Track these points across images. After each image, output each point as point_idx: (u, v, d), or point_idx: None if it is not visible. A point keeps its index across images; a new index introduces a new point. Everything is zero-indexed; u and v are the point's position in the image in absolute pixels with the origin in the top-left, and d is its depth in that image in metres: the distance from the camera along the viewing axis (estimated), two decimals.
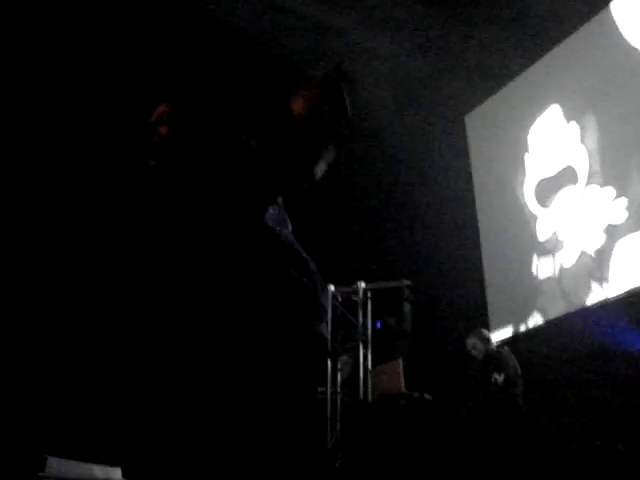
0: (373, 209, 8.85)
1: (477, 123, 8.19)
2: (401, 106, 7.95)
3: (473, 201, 8.11)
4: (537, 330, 6.98)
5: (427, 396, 6.26)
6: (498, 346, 6.31)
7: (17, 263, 5.68)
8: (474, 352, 6.09)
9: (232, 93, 6.40)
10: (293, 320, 2.11)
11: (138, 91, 5.94)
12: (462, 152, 8.26)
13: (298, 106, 2.03)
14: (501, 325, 7.30)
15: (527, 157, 7.45)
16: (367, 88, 7.55)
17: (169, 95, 2.44)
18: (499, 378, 5.74)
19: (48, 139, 6.04)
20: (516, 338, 7.00)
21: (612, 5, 6.67)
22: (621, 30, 6.57)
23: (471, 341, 6.16)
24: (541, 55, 7.22)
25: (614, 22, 6.63)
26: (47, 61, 6.15)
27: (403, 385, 6.37)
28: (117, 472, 4.09)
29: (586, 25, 6.85)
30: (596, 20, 6.77)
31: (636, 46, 6.43)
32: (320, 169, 2.12)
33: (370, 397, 6.85)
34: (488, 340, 6.15)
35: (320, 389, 6.17)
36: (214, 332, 2.09)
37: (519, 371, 5.78)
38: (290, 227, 2.30)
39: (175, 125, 2.30)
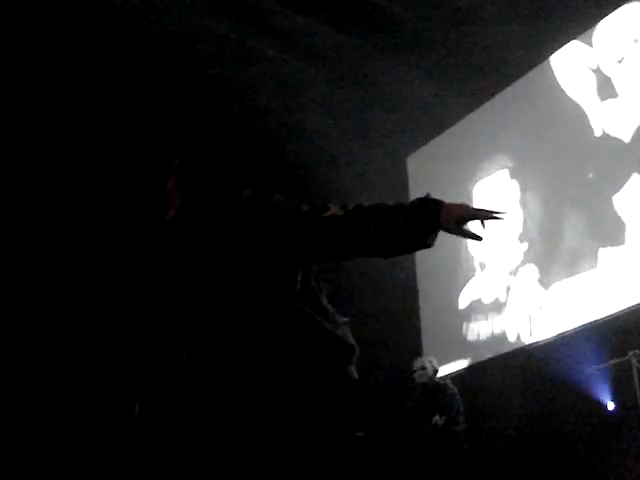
0: None
1: (419, 165, 8.31)
2: (336, 140, 8.01)
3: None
4: (468, 371, 7.05)
5: (359, 433, 6.16)
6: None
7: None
8: (419, 373, 5.88)
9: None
10: (327, 365, 2.10)
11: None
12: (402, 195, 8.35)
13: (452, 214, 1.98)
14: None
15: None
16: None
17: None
18: (439, 421, 5.60)
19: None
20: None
21: (552, 58, 6.92)
22: (560, 81, 6.82)
23: (422, 361, 5.99)
24: (484, 99, 7.42)
25: (553, 74, 6.88)
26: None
27: None
28: None
29: (528, 75, 7.08)
30: (537, 70, 7.01)
31: (574, 98, 6.67)
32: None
33: None
34: (436, 371, 5.99)
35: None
36: (245, 385, 2.07)
37: (462, 409, 5.68)
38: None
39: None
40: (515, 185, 7.16)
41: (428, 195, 2.01)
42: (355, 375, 2.15)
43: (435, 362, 6.02)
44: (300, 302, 2.09)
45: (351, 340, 2.17)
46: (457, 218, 1.94)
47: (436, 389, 5.82)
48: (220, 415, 2.05)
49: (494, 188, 7.35)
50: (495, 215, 1.98)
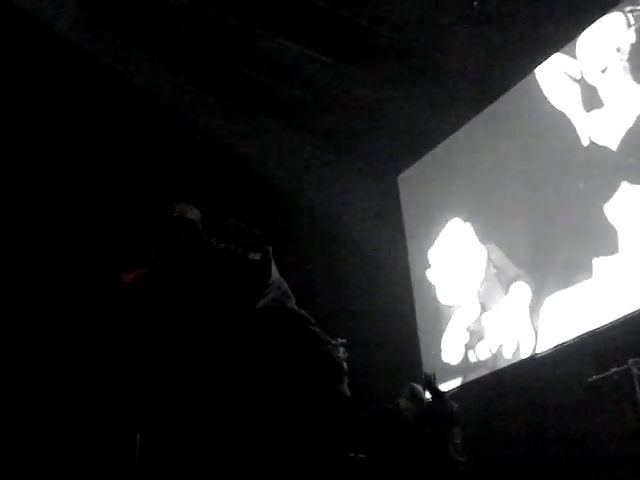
0: (305, 270, 8.77)
1: (410, 183, 8.32)
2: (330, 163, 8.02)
3: (406, 260, 8.18)
4: (469, 386, 7.00)
5: (362, 455, 6.09)
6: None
7: None
8: (407, 414, 5.71)
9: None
10: (318, 384, 2.18)
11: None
12: (395, 212, 8.37)
13: None
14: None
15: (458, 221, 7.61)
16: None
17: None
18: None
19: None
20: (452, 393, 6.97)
21: (536, 71, 6.96)
22: (546, 94, 6.86)
23: (403, 404, 5.76)
24: (471, 115, 7.45)
25: (539, 87, 6.92)
26: None
27: None
28: None
29: (513, 89, 7.12)
30: (522, 84, 7.05)
31: (560, 110, 6.70)
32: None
33: None
34: (421, 400, 5.76)
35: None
36: (240, 406, 2.12)
37: (457, 418, 5.50)
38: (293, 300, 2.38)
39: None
40: (505, 200, 7.17)
41: None
42: (347, 392, 2.16)
43: (416, 390, 5.82)
44: (286, 326, 2.14)
45: (340, 359, 2.20)
46: None
47: (426, 415, 5.69)
48: (215, 434, 2.05)
49: (484, 205, 7.37)
50: None
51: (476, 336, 7.17)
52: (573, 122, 6.55)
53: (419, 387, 5.89)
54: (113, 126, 6.74)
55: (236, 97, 7.30)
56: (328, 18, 6.65)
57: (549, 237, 6.65)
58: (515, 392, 6.42)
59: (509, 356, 6.75)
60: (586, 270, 6.20)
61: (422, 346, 7.75)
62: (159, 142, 7.00)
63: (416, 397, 5.79)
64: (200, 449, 2.10)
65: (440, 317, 7.64)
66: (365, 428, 6.85)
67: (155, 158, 6.92)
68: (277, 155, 7.82)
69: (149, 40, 6.58)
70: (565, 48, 6.71)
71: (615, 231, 6.04)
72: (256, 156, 7.68)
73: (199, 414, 2.15)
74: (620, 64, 6.19)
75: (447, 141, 7.80)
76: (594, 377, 5.61)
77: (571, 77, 6.63)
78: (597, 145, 6.33)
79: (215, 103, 7.20)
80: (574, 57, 6.63)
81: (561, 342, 6.25)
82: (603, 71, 6.34)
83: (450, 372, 7.24)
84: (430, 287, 7.85)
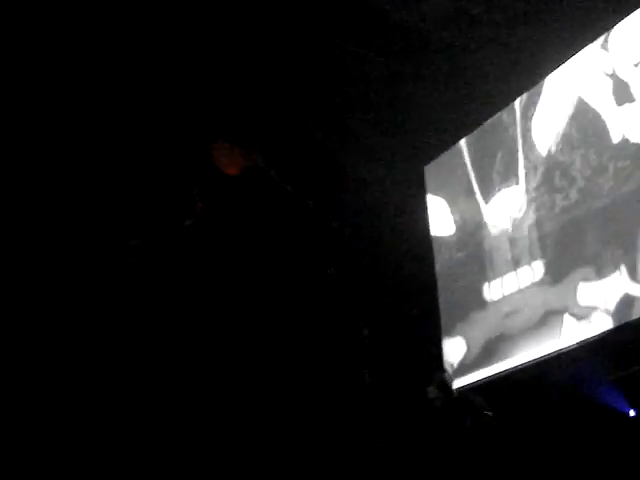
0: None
1: (437, 174, 8.29)
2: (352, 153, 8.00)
3: (431, 254, 8.17)
4: (490, 382, 6.99)
5: (381, 445, 6.07)
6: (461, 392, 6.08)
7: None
8: (436, 402, 5.66)
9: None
10: (342, 367, 2.17)
11: None
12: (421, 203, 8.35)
13: None
14: (458, 374, 7.27)
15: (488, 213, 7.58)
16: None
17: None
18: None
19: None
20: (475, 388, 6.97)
21: (567, 64, 6.90)
22: (577, 87, 6.80)
23: (433, 393, 5.72)
24: (500, 106, 7.41)
25: (569, 81, 6.86)
26: None
27: None
28: None
29: (543, 81, 7.08)
30: (552, 77, 7.01)
31: (591, 104, 6.64)
32: None
33: None
34: (451, 390, 5.74)
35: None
36: (254, 388, 2.10)
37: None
38: None
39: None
40: (532, 193, 7.13)
41: None
42: (368, 380, 2.17)
43: (447, 379, 5.79)
44: (315, 306, 2.14)
45: (369, 344, 2.20)
46: None
47: (458, 405, 5.66)
48: (231, 418, 2.06)
49: (510, 201, 7.33)
50: None
51: (496, 332, 7.15)
52: (604, 117, 6.48)
53: (450, 376, 5.89)
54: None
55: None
56: (359, 12, 6.61)
57: (576, 233, 6.60)
58: (537, 389, 6.40)
59: (530, 352, 6.72)
60: (611, 267, 6.15)
61: (443, 334, 7.75)
62: None
63: (446, 386, 5.79)
64: (217, 430, 2.10)
65: (463, 310, 7.63)
66: (387, 417, 6.86)
67: None
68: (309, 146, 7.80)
69: None
70: (597, 41, 6.63)
71: None
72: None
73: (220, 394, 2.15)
74: None
75: (475, 133, 7.77)
76: (617, 374, 5.59)
77: (603, 71, 6.55)
78: (629, 141, 6.25)
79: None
80: (606, 50, 6.55)
81: (584, 338, 6.21)
82: (636, 65, 6.26)
83: (470, 366, 7.23)
84: (453, 280, 7.83)
